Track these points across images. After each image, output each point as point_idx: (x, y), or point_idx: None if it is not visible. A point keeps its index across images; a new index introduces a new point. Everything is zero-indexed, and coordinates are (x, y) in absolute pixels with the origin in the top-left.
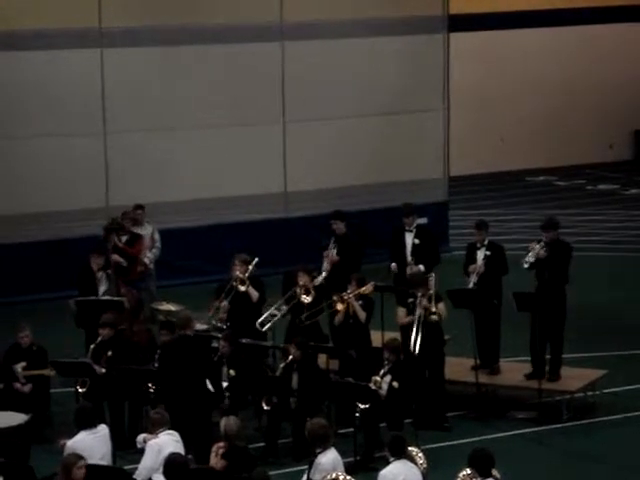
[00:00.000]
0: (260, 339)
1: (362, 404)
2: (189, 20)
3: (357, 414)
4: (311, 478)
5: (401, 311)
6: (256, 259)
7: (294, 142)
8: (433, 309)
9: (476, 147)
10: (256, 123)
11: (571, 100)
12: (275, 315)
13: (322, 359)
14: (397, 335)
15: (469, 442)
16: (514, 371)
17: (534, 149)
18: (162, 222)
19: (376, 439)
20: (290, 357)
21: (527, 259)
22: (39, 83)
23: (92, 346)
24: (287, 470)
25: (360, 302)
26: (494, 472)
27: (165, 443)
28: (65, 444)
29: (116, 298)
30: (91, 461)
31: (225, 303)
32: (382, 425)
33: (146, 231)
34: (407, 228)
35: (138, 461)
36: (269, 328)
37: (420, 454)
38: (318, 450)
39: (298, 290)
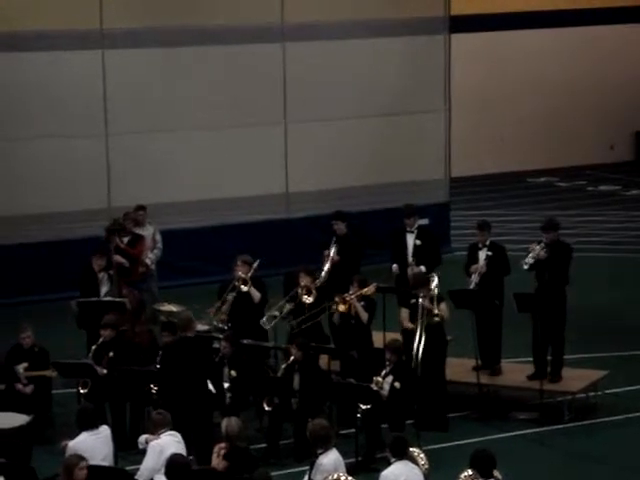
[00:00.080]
0: (261, 340)
1: (363, 405)
2: (190, 21)
3: (358, 415)
4: (312, 479)
5: (404, 312)
6: (258, 260)
7: (295, 143)
8: (435, 311)
9: (477, 148)
10: (257, 124)
11: (572, 101)
12: (280, 313)
13: (324, 360)
14: (398, 336)
15: (470, 443)
16: (515, 372)
17: (535, 150)
18: (163, 223)
19: (377, 440)
20: (291, 358)
21: (527, 260)
22: (41, 84)
23: (93, 347)
24: (288, 471)
25: (362, 303)
26: (495, 473)
27: (167, 444)
28: (67, 445)
29: (118, 299)
30: (93, 462)
31: (233, 294)
32: (384, 426)
33: (147, 232)
34: (408, 229)
35: (140, 462)
36: (272, 327)
37: (422, 455)
38: (319, 451)
39: (300, 291)
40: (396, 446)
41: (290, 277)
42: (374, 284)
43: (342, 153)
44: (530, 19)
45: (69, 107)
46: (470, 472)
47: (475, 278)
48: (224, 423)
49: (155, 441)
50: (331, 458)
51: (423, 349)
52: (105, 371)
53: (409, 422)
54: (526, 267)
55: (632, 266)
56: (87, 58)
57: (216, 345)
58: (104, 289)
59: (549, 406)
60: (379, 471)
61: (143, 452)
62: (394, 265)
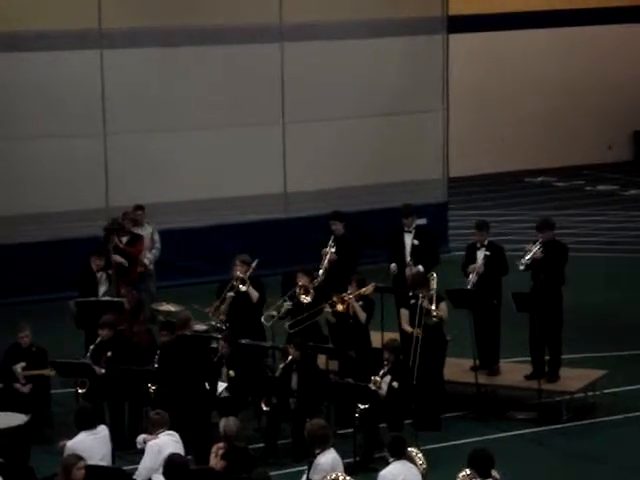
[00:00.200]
0: (260, 340)
1: (362, 404)
2: (189, 21)
3: (357, 415)
4: (310, 478)
5: (404, 313)
6: (257, 260)
7: (294, 143)
8: (433, 312)
9: (475, 148)
10: (256, 124)
11: (570, 101)
12: (279, 312)
13: (322, 360)
14: (396, 336)
15: (468, 442)
16: (514, 371)
17: (533, 150)
18: (162, 223)
19: (376, 440)
20: (289, 358)
21: (523, 261)
22: (40, 84)
23: (91, 347)
24: (287, 471)
25: (360, 303)
26: (494, 472)
27: (165, 444)
28: (65, 445)
29: (116, 299)
30: (91, 462)
31: (231, 293)
32: (382, 426)
33: (146, 232)
34: (406, 229)
35: (138, 462)
36: (270, 327)
37: (420, 455)
38: (317, 451)
39: (297, 290)
40: (394, 446)
41: (288, 277)
42: (372, 284)
43: (340, 153)
44: (528, 19)
45: (68, 107)
46: (468, 472)
47: (473, 278)
48: (222, 423)
49: (153, 441)
50: (329, 458)
51: (422, 349)
52: (103, 371)
53: (407, 422)
54: (522, 268)
55: (630, 266)
56: (86, 58)
57: (214, 345)
58: (102, 289)
59: (547, 406)
60: (377, 471)
61: (141, 452)
62: (392, 265)
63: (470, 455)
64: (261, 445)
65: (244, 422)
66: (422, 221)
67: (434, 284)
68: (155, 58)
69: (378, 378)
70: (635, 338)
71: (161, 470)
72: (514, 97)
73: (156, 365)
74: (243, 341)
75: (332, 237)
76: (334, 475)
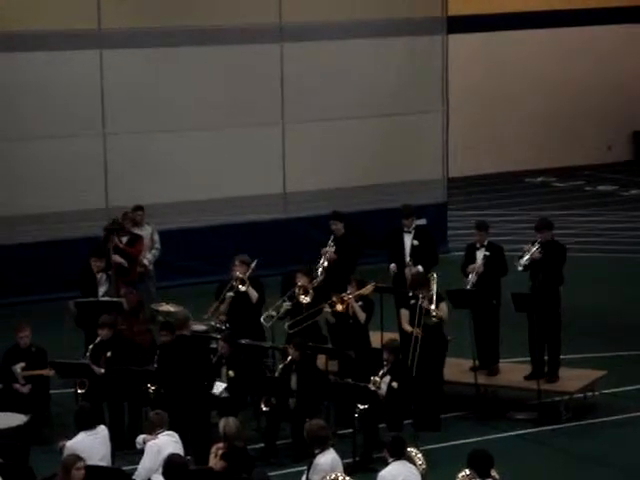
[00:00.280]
0: (259, 340)
1: (361, 405)
2: (188, 21)
3: (356, 415)
4: (310, 478)
5: (404, 313)
6: (256, 260)
7: (293, 143)
8: (433, 312)
9: (475, 148)
10: (255, 124)
11: (570, 101)
12: (278, 312)
13: (321, 360)
14: (396, 336)
15: (468, 443)
16: (513, 372)
17: (533, 150)
18: (162, 223)
19: (375, 440)
20: (289, 358)
21: (522, 262)
22: (39, 84)
23: (91, 346)
24: (286, 471)
25: (360, 303)
26: (493, 473)
27: (164, 444)
28: (64, 445)
29: (115, 299)
30: (90, 462)
31: (230, 294)
32: (381, 426)
33: (145, 232)
34: (406, 229)
35: (137, 462)
36: (270, 327)
37: (419, 455)
38: (317, 451)
39: (297, 291)
40: (394, 446)
41: (288, 278)
42: (372, 284)
43: (340, 153)
44: (528, 19)
45: (68, 107)
46: (468, 472)
47: (472, 278)
48: (222, 423)
49: (153, 441)
50: (328, 458)
51: (422, 349)
52: (103, 370)
53: (407, 422)
54: (520, 268)
55: (630, 266)
56: (85, 58)
57: (214, 345)
58: (102, 289)
59: (547, 406)
60: (377, 471)
61: (141, 452)
62: (392, 265)
63: (469, 455)
64: (261, 445)
65: (244, 422)
66: (422, 221)
67: (434, 284)
68: (154, 58)
69: (377, 378)
70: (635, 338)
71: (160, 470)
72: (514, 97)
73: (155, 365)
74: (243, 341)
75: (332, 237)
76: (333, 475)
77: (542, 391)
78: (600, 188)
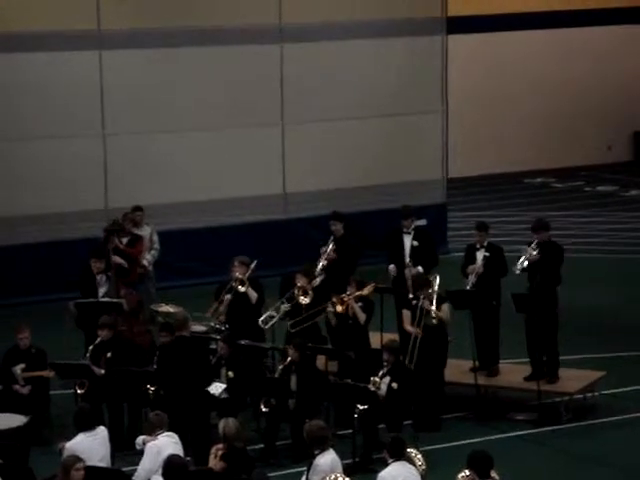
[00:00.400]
0: (259, 340)
1: (361, 405)
2: (188, 22)
3: (356, 415)
4: (309, 479)
5: (406, 314)
6: (255, 261)
7: (293, 144)
8: (433, 313)
9: (475, 149)
10: (255, 125)
11: (570, 102)
12: (277, 314)
13: (321, 360)
14: (396, 337)
15: (468, 444)
16: (513, 373)
17: (533, 151)
18: (161, 224)
19: (375, 440)
20: (289, 359)
21: (519, 266)
22: (39, 85)
23: (91, 347)
24: (286, 471)
25: (360, 304)
26: (493, 473)
27: (164, 445)
28: (64, 446)
29: (115, 300)
30: (90, 463)
31: (228, 296)
32: (381, 426)
33: (145, 233)
34: (405, 230)
35: (137, 463)
36: (270, 327)
37: (419, 456)
38: (316, 451)
39: (296, 291)
40: (394, 447)
41: (287, 280)
42: (372, 284)
43: (340, 154)
44: (527, 20)
45: (67, 108)
46: (467, 473)
47: (472, 279)
48: (221, 424)
49: (152, 442)
50: (328, 459)
51: (423, 350)
52: (103, 371)
53: (407, 423)
54: (518, 272)
55: (630, 267)
56: (85, 59)
57: (213, 346)
58: (102, 290)
59: (547, 407)
60: (376, 472)
61: (140, 453)
62: (391, 266)
63: (469, 456)
64: (260, 446)
65: (243, 423)
66: (422, 222)
67: (436, 285)
68: (154, 59)
69: (377, 379)
70: (634, 339)
71: (160, 471)
72: (513, 98)
73: (155, 366)
74: (242, 342)
75: (332, 237)
76: (333, 476)
77: (542, 392)
78: (600, 189)
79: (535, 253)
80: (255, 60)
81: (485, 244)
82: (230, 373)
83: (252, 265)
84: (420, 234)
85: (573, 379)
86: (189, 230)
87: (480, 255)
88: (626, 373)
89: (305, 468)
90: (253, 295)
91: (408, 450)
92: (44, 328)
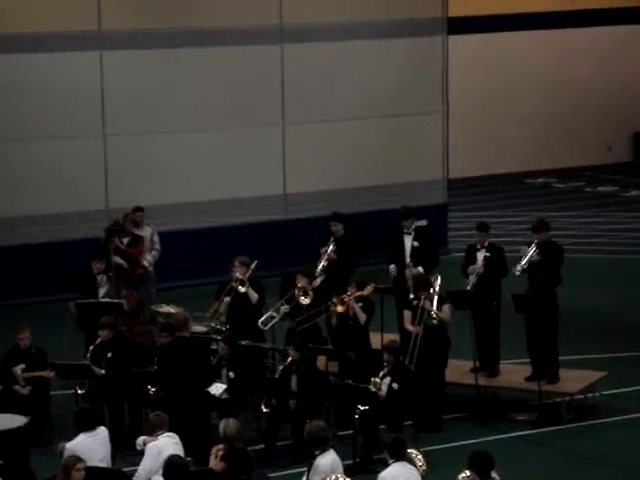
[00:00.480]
0: (259, 341)
1: (361, 406)
2: (188, 23)
3: (356, 416)
4: None
5: (407, 314)
6: (256, 261)
7: (294, 144)
8: (433, 313)
9: (475, 149)
10: (256, 125)
11: (570, 102)
12: (277, 315)
13: (321, 361)
14: (396, 337)
15: (469, 444)
16: (514, 373)
17: (534, 151)
18: (162, 224)
19: (375, 441)
20: (289, 359)
21: (519, 267)
22: (39, 85)
23: (91, 347)
24: (286, 472)
25: (360, 304)
26: (494, 474)
27: (165, 445)
28: (64, 447)
29: (115, 300)
30: (90, 463)
31: (227, 299)
32: (382, 427)
33: (145, 233)
34: (406, 231)
35: (137, 463)
36: (270, 329)
37: (419, 456)
38: (317, 452)
39: (296, 292)
40: (394, 447)
41: (287, 280)
42: (372, 285)
43: (340, 154)
44: (528, 20)
45: (68, 108)
46: (468, 473)
47: (472, 279)
48: (222, 424)
49: (153, 442)
50: (328, 459)
51: (423, 350)
52: (103, 371)
53: (407, 423)
54: (518, 273)
55: (630, 267)
56: (85, 59)
57: (214, 346)
58: (103, 291)
59: (547, 407)
60: (377, 472)
61: (141, 453)
62: (391, 266)
63: (470, 457)
64: (261, 446)
65: (244, 424)
66: (423, 222)
67: (437, 286)
68: (155, 59)
69: (378, 379)
70: (635, 340)
71: (161, 472)
72: (514, 98)
73: (155, 367)
74: (243, 342)
75: (332, 238)
76: (334, 477)
77: (543, 392)
78: (600, 189)
79: (535, 254)
80: (255, 61)
81: (486, 244)
82: (231, 373)
83: (252, 265)
84: (420, 234)
85: (574, 379)
86: (189, 230)
87: (481, 255)
88: (627, 373)
89: (306, 469)
90: (253, 295)
91: (409, 451)
92: (44, 328)
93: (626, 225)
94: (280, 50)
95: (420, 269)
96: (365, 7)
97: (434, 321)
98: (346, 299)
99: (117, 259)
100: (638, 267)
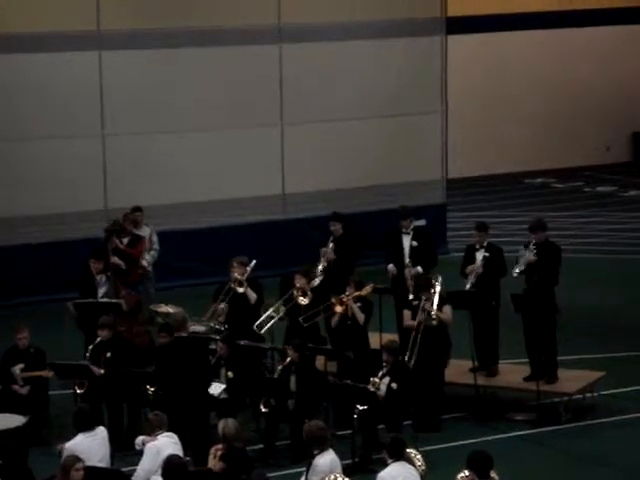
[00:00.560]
0: (258, 341)
1: (360, 406)
2: (188, 23)
3: (355, 416)
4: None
5: (407, 314)
6: (254, 261)
7: (293, 144)
8: (433, 314)
9: (474, 149)
10: (255, 125)
11: (570, 102)
12: (273, 317)
13: (320, 361)
14: (395, 337)
15: (467, 444)
16: (512, 373)
17: (533, 151)
18: (161, 224)
19: (374, 441)
20: (288, 359)
21: (517, 269)
22: (39, 85)
23: (90, 347)
24: (285, 472)
25: (359, 304)
26: (492, 474)
27: (163, 445)
28: (63, 448)
29: (114, 300)
30: (89, 463)
31: (223, 305)
32: (380, 427)
33: (144, 233)
34: (404, 230)
35: (136, 463)
36: (267, 330)
37: (418, 456)
38: (316, 452)
39: (295, 292)
40: (393, 447)
41: (286, 280)
42: (371, 285)
43: (339, 154)
44: (527, 20)
45: (67, 108)
46: (467, 473)
47: (471, 279)
48: (221, 424)
49: (152, 442)
50: (327, 459)
51: (423, 350)
52: (102, 371)
53: (406, 423)
54: (516, 275)
55: (630, 267)
56: (85, 59)
57: (213, 346)
58: (102, 291)
59: (546, 407)
60: (376, 472)
61: (140, 453)
62: (390, 265)
63: (469, 456)
64: (260, 446)
65: (243, 423)
66: (421, 222)
67: (438, 287)
68: (154, 59)
69: (377, 379)
70: (634, 339)
71: (160, 472)
72: (513, 98)
73: (153, 367)
74: (242, 342)
75: (331, 238)
76: (332, 476)
77: (541, 392)
78: (599, 189)
79: (532, 255)
80: (255, 60)
81: (485, 244)
82: (229, 373)
83: (250, 265)
84: (419, 234)
85: (572, 379)
86: (188, 230)
87: (480, 255)
88: (625, 373)
89: (304, 468)
90: (252, 296)
91: (407, 450)
92: (44, 328)
93: (625, 225)
94: (279, 50)
95: (419, 269)
96: (365, 7)
97: (433, 322)
98: (345, 299)
99: (115, 259)
100: (638, 267)
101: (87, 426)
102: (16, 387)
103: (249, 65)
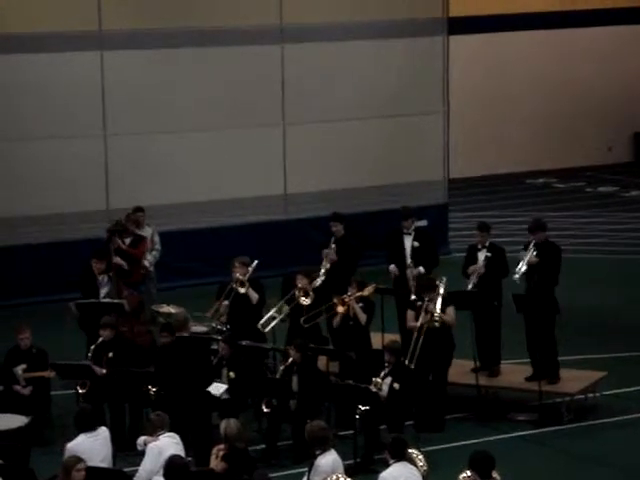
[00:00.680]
0: (260, 341)
1: (362, 406)
2: (188, 23)
3: (357, 416)
4: None
5: (410, 314)
6: (256, 261)
7: (294, 144)
8: (435, 315)
9: (476, 149)
10: (256, 125)
11: (571, 102)
12: (276, 317)
13: (322, 361)
14: (397, 337)
15: (469, 444)
16: (514, 373)
17: (534, 151)
18: (162, 224)
19: (376, 441)
20: (290, 359)
21: (518, 272)
22: (40, 85)
23: (92, 347)
24: (287, 472)
25: (360, 304)
26: (494, 474)
27: (165, 445)
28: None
29: (116, 300)
30: (91, 464)
31: (226, 303)
32: (382, 427)
33: (146, 233)
34: (405, 231)
35: (138, 463)
36: (269, 330)
37: (420, 456)
38: (318, 452)
39: (297, 292)
40: (395, 447)
41: (288, 280)
42: (373, 285)
43: (341, 154)
44: (528, 20)
45: (68, 108)
46: (469, 473)
47: (473, 279)
48: (223, 424)
49: (154, 443)
50: (329, 459)
51: (427, 351)
52: (104, 371)
53: (408, 423)
54: (517, 277)
55: (630, 267)
56: (86, 59)
57: (214, 346)
58: (104, 291)
59: (548, 407)
60: (378, 472)
61: (142, 453)
62: (392, 266)
63: (471, 457)
64: (262, 447)
65: (245, 424)
66: (423, 222)
67: (442, 289)
68: (155, 59)
69: (379, 380)
70: (635, 340)
71: (161, 472)
72: (514, 98)
73: (153, 367)
74: (243, 343)
75: (332, 238)
76: (334, 477)
77: (543, 392)
78: (601, 189)
79: (532, 256)
80: (255, 61)
81: (486, 244)
82: (231, 374)
83: (252, 265)
84: (421, 235)
85: (574, 380)
86: (190, 231)
87: (481, 256)
88: (627, 373)
89: (306, 469)
90: (254, 296)
91: (409, 451)
92: (45, 328)
93: (626, 225)
94: (280, 50)
95: (421, 269)
96: (365, 7)
97: (436, 323)
98: (347, 299)
99: (117, 259)
100: (638, 267)
101: (89, 426)
102: (18, 387)
103: (250, 65)
